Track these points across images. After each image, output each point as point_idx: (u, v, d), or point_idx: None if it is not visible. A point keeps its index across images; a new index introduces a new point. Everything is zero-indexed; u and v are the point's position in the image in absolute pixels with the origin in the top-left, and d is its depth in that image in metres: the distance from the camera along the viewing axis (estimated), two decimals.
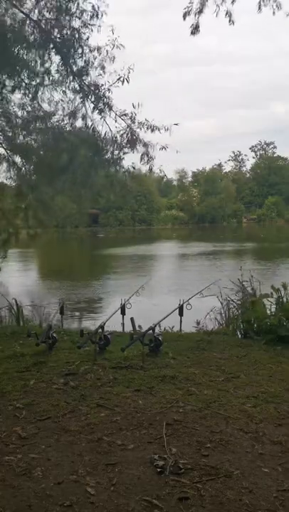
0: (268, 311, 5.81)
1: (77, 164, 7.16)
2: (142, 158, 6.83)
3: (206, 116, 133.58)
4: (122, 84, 6.48)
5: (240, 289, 6.34)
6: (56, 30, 6.23)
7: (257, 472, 2.49)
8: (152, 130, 6.68)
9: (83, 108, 6.80)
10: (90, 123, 6.80)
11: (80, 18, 6.27)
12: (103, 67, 6.57)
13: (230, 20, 6.14)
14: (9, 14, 6.15)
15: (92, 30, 6.39)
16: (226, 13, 6.07)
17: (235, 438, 2.87)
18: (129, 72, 6.45)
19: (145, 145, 6.75)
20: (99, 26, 6.35)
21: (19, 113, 7.24)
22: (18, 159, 8.10)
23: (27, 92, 6.75)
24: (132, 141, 6.71)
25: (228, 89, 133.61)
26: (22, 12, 6.27)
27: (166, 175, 7.09)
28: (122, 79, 6.46)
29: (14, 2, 6.19)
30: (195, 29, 6.23)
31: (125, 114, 6.71)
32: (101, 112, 6.68)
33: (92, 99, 6.71)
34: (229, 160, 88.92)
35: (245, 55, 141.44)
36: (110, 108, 6.67)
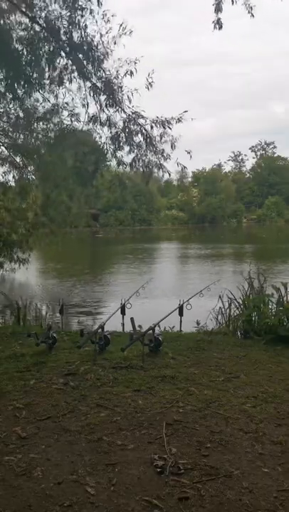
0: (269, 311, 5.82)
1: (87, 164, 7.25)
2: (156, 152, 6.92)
3: (206, 116, 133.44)
4: (131, 76, 6.53)
5: (248, 283, 6.35)
6: (64, 32, 6.24)
7: (257, 472, 2.48)
8: (164, 126, 6.73)
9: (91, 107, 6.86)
10: (104, 117, 6.84)
11: (91, 14, 6.28)
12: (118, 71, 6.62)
13: (249, 13, 6.04)
14: (16, 20, 6.20)
15: (94, 19, 6.38)
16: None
17: (235, 438, 2.87)
18: (135, 63, 6.48)
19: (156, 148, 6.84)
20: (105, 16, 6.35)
21: (23, 113, 7.29)
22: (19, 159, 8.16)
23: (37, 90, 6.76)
24: (149, 142, 6.80)
25: (227, 89, 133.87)
26: (28, 16, 6.29)
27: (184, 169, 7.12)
28: (128, 72, 6.51)
29: (22, 8, 6.22)
30: (217, 24, 6.20)
31: (136, 113, 6.73)
32: (114, 105, 6.71)
33: (104, 98, 6.74)
34: (229, 160, 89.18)
35: (245, 55, 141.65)
36: (120, 105, 6.71)
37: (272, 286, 6.09)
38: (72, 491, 2.30)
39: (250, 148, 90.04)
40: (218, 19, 6.17)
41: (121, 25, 6.40)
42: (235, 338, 5.68)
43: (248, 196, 77.79)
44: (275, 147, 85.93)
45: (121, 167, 7.32)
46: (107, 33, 6.44)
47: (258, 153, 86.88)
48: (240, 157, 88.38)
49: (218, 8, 6.09)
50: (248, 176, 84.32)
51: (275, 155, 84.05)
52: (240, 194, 75.73)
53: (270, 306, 5.89)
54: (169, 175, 7.53)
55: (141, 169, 7.15)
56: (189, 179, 73.34)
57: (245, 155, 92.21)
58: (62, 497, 2.25)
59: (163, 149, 6.97)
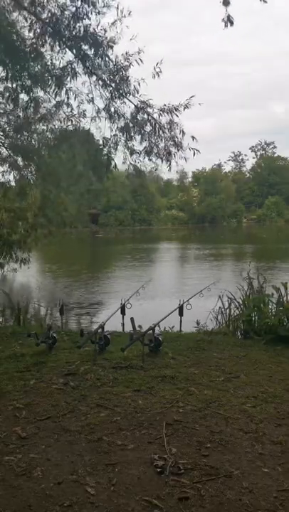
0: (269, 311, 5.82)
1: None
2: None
3: (206, 117, 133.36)
4: (139, 64, 6.48)
5: (248, 284, 6.36)
6: (67, 25, 6.20)
7: (257, 472, 2.48)
8: (171, 113, 6.71)
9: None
10: (112, 109, 6.82)
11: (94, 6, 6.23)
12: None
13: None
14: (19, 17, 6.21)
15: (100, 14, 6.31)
16: None
17: (235, 438, 2.87)
18: (139, 53, 6.43)
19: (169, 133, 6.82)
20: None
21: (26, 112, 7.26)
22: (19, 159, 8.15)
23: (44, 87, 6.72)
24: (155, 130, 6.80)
25: (227, 89, 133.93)
26: (31, 13, 6.28)
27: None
28: (137, 60, 6.47)
29: (25, 4, 6.21)
30: (228, 20, 6.06)
31: (143, 102, 6.71)
32: (121, 96, 6.69)
33: (111, 89, 6.72)
34: (229, 160, 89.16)
35: (245, 55, 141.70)
36: (127, 96, 6.68)
37: (273, 286, 6.09)
38: (72, 491, 2.30)
39: (250, 148, 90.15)
40: (228, 16, 5.98)
41: (117, 7, 6.34)
42: (235, 338, 5.68)
43: (248, 196, 77.74)
44: (275, 147, 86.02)
45: (134, 156, 7.24)
46: (113, 24, 6.38)
47: (258, 153, 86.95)
48: (240, 157, 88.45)
49: (226, 2, 5.91)
50: (248, 176, 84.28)
51: (275, 155, 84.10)
52: (240, 194, 75.66)
53: (270, 306, 5.89)
54: (186, 160, 7.41)
55: (156, 157, 7.09)
56: (189, 179, 73.37)
57: (245, 155, 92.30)
58: (62, 497, 2.25)
59: (175, 135, 6.95)
